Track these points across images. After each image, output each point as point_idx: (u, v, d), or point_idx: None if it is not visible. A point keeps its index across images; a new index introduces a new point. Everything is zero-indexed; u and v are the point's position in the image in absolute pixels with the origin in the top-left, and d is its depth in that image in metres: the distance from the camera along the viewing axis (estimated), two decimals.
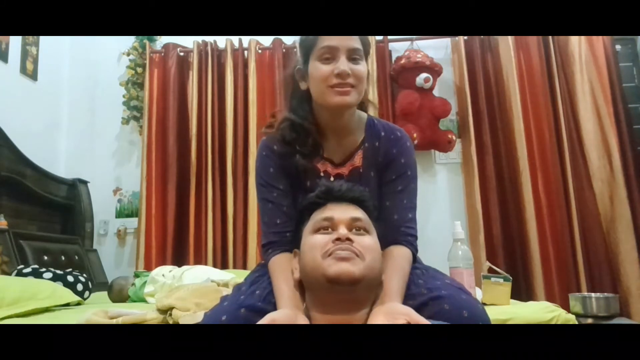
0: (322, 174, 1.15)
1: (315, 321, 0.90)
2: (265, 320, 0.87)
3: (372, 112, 1.25)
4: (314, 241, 0.92)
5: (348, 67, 1.05)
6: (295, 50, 3.22)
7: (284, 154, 1.13)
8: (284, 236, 1.09)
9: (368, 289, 0.90)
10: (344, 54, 1.05)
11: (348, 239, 0.89)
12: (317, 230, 0.94)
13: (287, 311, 0.91)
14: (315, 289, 0.91)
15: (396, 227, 1.09)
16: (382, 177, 1.14)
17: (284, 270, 1.03)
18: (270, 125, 1.18)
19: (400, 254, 1.06)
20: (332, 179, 1.14)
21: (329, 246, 0.89)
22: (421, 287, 1.00)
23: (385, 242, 1.04)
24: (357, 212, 0.96)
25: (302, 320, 0.90)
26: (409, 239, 1.10)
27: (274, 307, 0.98)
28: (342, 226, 0.92)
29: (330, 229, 0.93)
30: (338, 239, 0.89)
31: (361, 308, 0.89)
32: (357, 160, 1.15)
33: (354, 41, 1.06)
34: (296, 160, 1.11)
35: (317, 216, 0.96)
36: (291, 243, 1.07)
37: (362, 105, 1.20)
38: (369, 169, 1.15)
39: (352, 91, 1.06)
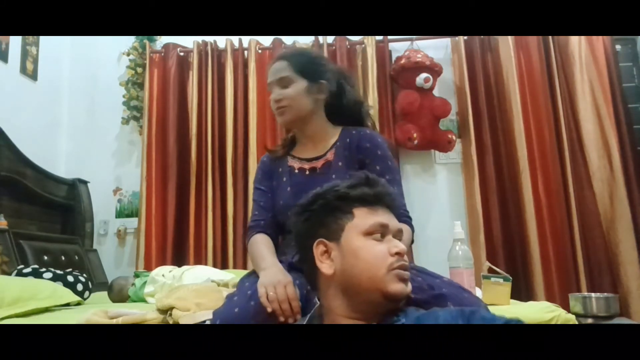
0: (296, 170, 1.37)
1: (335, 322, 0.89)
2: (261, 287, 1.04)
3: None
4: (374, 251, 0.89)
5: (278, 94, 1.33)
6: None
7: (270, 160, 1.44)
8: (259, 223, 1.34)
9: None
10: (276, 86, 1.34)
11: (404, 254, 0.90)
12: (370, 234, 0.90)
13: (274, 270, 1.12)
14: (361, 296, 0.88)
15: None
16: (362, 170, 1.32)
17: (263, 242, 1.27)
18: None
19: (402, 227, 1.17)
20: (307, 172, 1.36)
21: (390, 260, 0.87)
22: (422, 283, 1.04)
23: None
24: (399, 223, 0.97)
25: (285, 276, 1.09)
26: (408, 220, 1.28)
27: None
28: (392, 236, 0.92)
29: (381, 236, 0.91)
30: (398, 254, 0.88)
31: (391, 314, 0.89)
32: (330, 155, 1.36)
33: (281, 71, 1.33)
34: (277, 161, 1.41)
35: (372, 219, 0.91)
36: (266, 227, 1.33)
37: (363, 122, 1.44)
38: (338, 160, 1.34)
39: (286, 110, 1.33)
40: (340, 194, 0.94)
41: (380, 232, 0.90)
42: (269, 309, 1.01)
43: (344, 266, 0.89)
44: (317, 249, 0.92)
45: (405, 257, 0.91)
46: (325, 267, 0.90)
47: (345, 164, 1.32)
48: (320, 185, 1.05)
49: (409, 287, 0.89)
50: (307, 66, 1.35)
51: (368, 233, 0.90)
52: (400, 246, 0.90)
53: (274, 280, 1.06)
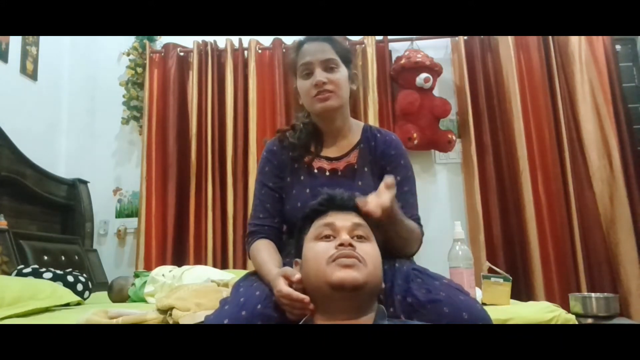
0: (316, 170, 1.26)
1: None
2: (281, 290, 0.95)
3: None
4: (317, 248, 0.93)
5: (324, 77, 1.18)
6: None
7: (282, 151, 1.28)
8: (263, 228, 1.23)
9: (370, 295, 0.91)
10: (319, 67, 1.19)
11: (350, 245, 0.90)
12: (319, 238, 0.95)
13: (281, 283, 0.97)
14: (319, 295, 0.91)
15: None
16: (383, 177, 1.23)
17: (266, 249, 1.16)
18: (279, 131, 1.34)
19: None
20: (327, 173, 1.25)
21: (332, 252, 0.90)
22: (421, 285, 1.04)
23: None
24: (358, 219, 0.98)
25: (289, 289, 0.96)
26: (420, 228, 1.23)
27: (274, 310, 0.99)
28: (343, 232, 0.94)
29: (332, 237, 0.94)
30: (341, 244, 0.90)
31: (363, 314, 0.90)
32: (352, 157, 1.26)
33: (327, 52, 1.20)
34: (292, 156, 1.26)
35: (319, 223, 0.98)
36: (270, 234, 1.21)
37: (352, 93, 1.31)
38: (363, 165, 1.26)
39: (332, 96, 1.19)
40: (303, 215, 1.04)
41: (329, 233, 0.94)
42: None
43: (303, 274, 0.95)
44: (296, 268, 1.00)
45: (353, 247, 0.90)
46: (297, 280, 0.97)
47: (371, 170, 1.25)
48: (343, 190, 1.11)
49: (359, 273, 0.87)
50: (347, 53, 1.26)
51: (316, 237, 0.95)
52: (344, 237, 0.92)
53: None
